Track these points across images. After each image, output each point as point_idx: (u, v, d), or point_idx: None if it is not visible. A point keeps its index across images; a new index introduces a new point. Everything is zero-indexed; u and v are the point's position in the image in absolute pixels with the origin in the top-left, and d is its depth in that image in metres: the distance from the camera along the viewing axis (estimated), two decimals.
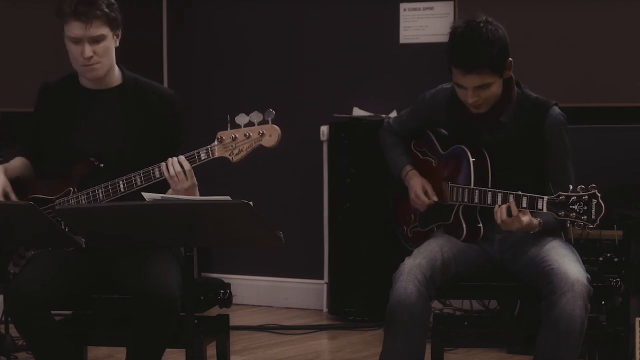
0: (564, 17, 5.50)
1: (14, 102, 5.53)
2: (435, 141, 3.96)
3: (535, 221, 3.62)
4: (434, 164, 3.95)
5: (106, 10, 3.72)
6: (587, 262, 4.21)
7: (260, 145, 3.60)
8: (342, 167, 5.92)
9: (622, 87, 5.41)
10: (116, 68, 3.86)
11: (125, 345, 3.68)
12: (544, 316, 3.55)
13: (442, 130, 3.96)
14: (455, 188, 3.79)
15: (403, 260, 3.69)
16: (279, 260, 6.31)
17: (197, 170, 3.66)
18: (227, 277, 5.78)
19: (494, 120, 3.78)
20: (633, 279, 4.59)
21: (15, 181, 3.83)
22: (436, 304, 5.48)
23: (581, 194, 3.46)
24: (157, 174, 3.66)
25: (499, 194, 3.63)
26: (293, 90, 6.30)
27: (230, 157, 3.62)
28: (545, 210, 3.52)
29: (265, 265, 6.38)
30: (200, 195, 3.68)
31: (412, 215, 4.00)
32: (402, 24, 6.06)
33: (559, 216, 3.48)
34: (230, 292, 3.95)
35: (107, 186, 3.69)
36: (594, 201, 3.44)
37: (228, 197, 3.16)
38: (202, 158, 3.64)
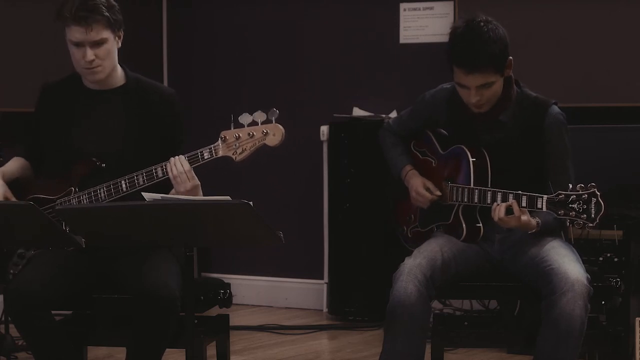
0: (564, 17, 5.50)
1: (14, 102, 5.53)
2: (435, 141, 3.96)
3: (534, 221, 3.62)
4: (433, 164, 3.96)
5: (107, 14, 3.70)
6: (587, 262, 4.21)
7: (264, 144, 3.60)
8: (342, 167, 5.92)
9: (622, 87, 5.41)
10: (119, 68, 3.85)
11: (125, 345, 3.68)
12: (544, 316, 3.55)
13: (442, 130, 3.96)
14: (455, 188, 3.79)
15: (403, 260, 3.69)
16: (279, 260, 6.31)
17: (197, 170, 3.66)
18: (227, 277, 5.78)
19: (494, 119, 3.78)
20: (633, 279, 4.59)
21: (14, 182, 3.83)
22: (436, 304, 5.48)
23: (580, 192, 3.46)
24: (159, 173, 3.65)
25: (498, 193, 3.64)
26: (293, 90, 6.31)
27: (233, 157, 3.62)
28: (544, 209, 3.52)
29: (265, 265, 6.38)
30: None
31: (412, 216, 4.00)
32: (402, 24, 6.06)
33: (559, 215, 3.48)
34: (230, 292, 3.95)
35: (109, 186, 3.69)
36: (594, 200, 3.44)
37: (228, 197, 3.16)
38: (205, 157, 3.64)
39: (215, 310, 3.92)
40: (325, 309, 6.12)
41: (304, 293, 6.29)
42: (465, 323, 3.99)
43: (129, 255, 3.70)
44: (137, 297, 3.56)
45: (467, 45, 3.63)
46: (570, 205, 3.46)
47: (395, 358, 3.62)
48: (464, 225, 3.79)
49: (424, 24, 6.00)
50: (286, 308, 6.31)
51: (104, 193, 3.69)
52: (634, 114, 5.31)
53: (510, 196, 3.59)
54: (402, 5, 6.05)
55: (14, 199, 3.77)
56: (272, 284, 6.40)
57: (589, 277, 3.57)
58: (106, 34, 3.72)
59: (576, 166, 3.79)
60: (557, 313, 3.50)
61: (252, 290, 6.41)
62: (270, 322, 5.88)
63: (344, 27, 6.21)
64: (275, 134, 3.58)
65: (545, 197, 3.52)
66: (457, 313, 5.59)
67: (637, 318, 4.17)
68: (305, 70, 6.32)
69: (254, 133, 3.59)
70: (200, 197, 3.54)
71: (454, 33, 3.71)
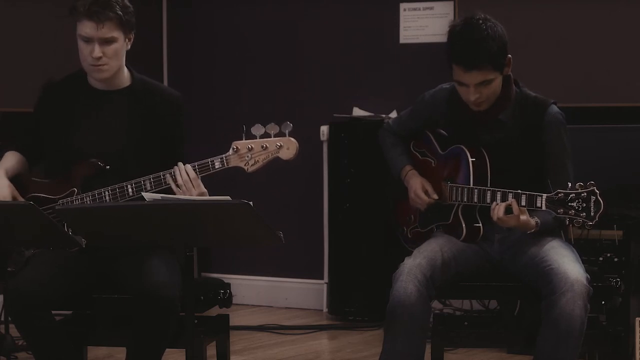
0: (564, 17, 5.50)
1: (14, 102, 5.53)
2: (435, 142, 3.96)
3: (533, 221, 3.62)
4: (433, 165, 3.96)
5: (120, 13, 3.70)
6: (587, 262, 4.22)
7: (277, 157, 3.59)
8: (342, 167, 5.92)
9: (622, 87, 5.41)
10: (125, 69, 3.85)
11: (125, 345, 3.68)
12: (544, 316, 3.55)
13: (442, 130, 3.96)
14: (454, 188, 3.79)
15: (403, 260, 3.69)
16: (279, 260, 6.31)
17: (206, 175, 3.66)
18: (227, 277, 5.78)
19: (493, 119, 3.79)
20: (633, 279, 4.59)
21: (14, 180, 3.82)
22: (436, 304, 5.48)
23: (580, 191, 3.46)
24: (168, 180, 3.65)
25: (498, 193, 3.64)
26: (293, 90, 6.30)
27: (245, 167, 3.62)
28: (544, 207, 3.52)
29: (265, 265, 6.38)
30: None
31: (412, 216, 4.01)
32: (402, 24, 6.06)
33: (558, 214, 3.48)
34: (230, 292, 3.95)
35: (115, 189, 3.68)
36: (593, 198, 3.44)
37: (228, 197, 3.16)
38: (216, 167, 3.63)
39: (215, 310, 3.92)
40: (325, 309, 6.12)
41: (304, 293, 6.29)
42: (465, 323, 3.99)
43: (129, 255, 3.70)
44: (137, 297, 3.56)
45: (466, 42, 3.64)
46: (569, 204, 3.46)
47: (395, 358, 3.62)
48: (463, 225, 3.79)
49: (424, 24, 6.00)
50: (286, 308, 6.31)
51: (109, 196, 3.68)
52: (634, 114, 5.31)
53: (510, 195, 3.59)
54: (402, 5, 6.05)
55: (21, 199, 3.76)
56: (272, 284, 6.40)
57: (589, 277, 3.58)
58: (117, 33, 3.72)
59: (576, 166, 3.79)
60: (557, 313, 3.50)
61: (252, 290, 6.40)
62: (270, 322, 5.88)
63: (344, 27, 6.21)
64: (289, 147, 3.58)
65: (544, 195, 3.52)
66: (457, 313, 5.59)
67: (637, 318, 4.17)
68: (305, 70, 6.32)
69: (268, 145, 3.59)
70: (200, 197, 3.54)
71: (452, 31, 3.71)
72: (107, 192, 3.69)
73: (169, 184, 3.63)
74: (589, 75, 5.45)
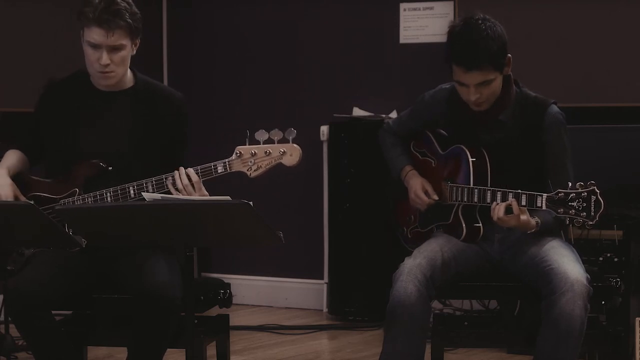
0: (564, 17, 5.50)
1: (14, 102, 5.53)
2: (435, 142, 3.96)
3: (533, 221, 3.62)
4: (433, 165, 3.96)
5: (129, 20, 3.69)
6: (587, 262, 4.22)
7: (281, 163, 3.59)
8: (342, 167, 5.92)
9: (622, 87, 5.41)
10: (129, 70, 3.84)
11: (126, 345, 3.68)
12: (543, 316, 3.55)
13: (442, 131, 3.96)
14: (454, 188, 3.79)
15: (403, 260, 3.69)
16: (279, 260, 6.31)
17: (209, 179, 3.66)
18: (227, 277, 5.78)
19: (494, 119, 3.79)
20: (633, 279, 4.59)
21: (15, 179, 3.82)
22: (436, 304, 5.48)
23: (580, 190, 3.46)
24: (168, 184, 3.64)
25: (498, 192, 3.64)
26: (293, 90, 6.30)
27: (248, 173, 3.61)
28: (544, 207, 3.52)
29: (265, 265, 6.38)
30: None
31: (412, 216, 4.00)
32: (402, 24, 6.06)
33: (558, 213, 3.48)
34: (230, 292, 3.95)
35: (117, 190, 3.67)
36: (593, 198, 3.44)
37: (228, 197, 3.16)
38: (219, 171, 3.63)
39: (215, 310, 3.92)
40: (325, 309, 6.12)
41: (304, 293, 6.29)
42: (465, 323, 3.99)
43: (129, 255, 3.70)
44: (137, 297, 3.56)
45: (466, 43, 3.64)
46: (569, 203, 3.46)
47: (395, 358, 3.62)
48: (463, 225, 3.79)
49: (424, 24, 6.00)
50: (286, 308, 6.31)
51: (111, 197, 3.68)
52: (634, 114, 5.31)
53: (510, 195, 3.59)
54: (402, 5, 6.05)
55: (22, 198, 3.76)
56: (272, 284, 6.40)
57: (589, 277, 3.58)
58: (125, 41, 3.71)
59: (576, 166, 3.79)
60: (557, 313, 3.50)
61: (252, 290, 6.41)
62: (270, 322, 5.88)
63: (344, 27, 6.21)
64: (292, 154, 3.59)
65: (544, 195, 3.52)
66: (457, 313, 5.59)
67: (637, 318, 4.17)
68: (305, 70, 6.32)
69: (271, 151, 3.59)
70: (200, 197, 3.54)
71: (452, 32, 3.71)
72: (108, 193, 3.69)
73: (170, 188, 3.63)
74: (589, 75, 5.45)
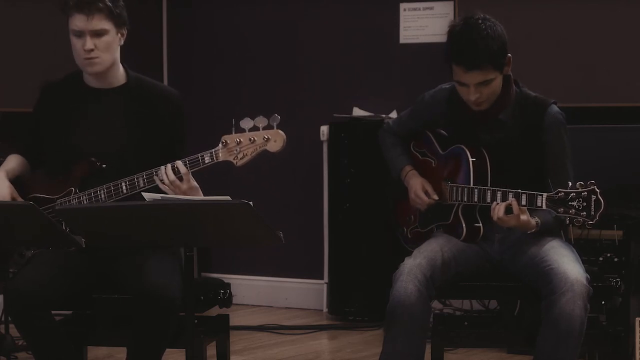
0: (564, 17, 5.50)
1: (14, 102, 5.53)
2: (435, 142, 3.96)
3: (533, 221, 3.62)
4: (433, 165, 3.96)
5: (109, 4, 3.72)
6: (587, 262, 4.22)
7: (265, 150, 3.60)
8: (342, 167, 5.92)
9: (622, 87, 5.41)
10: (120, 67, 3.85)
11: (125, 345, 3.68)
12: (543, 316, 3.55)
13: (442, 131, 3.96)
14: (454, 188, 3.79)
15: (403, 260, 3.69)
16: (279, 260, 6.31)
17: (197, 171, 3.66)
18: (227, 277, 5.78)
19: (494, 118, 3.79)
20: (633, 279, 4.59)
21: (14, 182, 3.83)
22: (436, 304, 5.48)
23: (580, 190, 3.46)
24: (155, 180, 3.65)
25: (498, 192, 3.64)
26: (293, 90, 6.31)
27: (234, 161, 3.62)
28: (544, 206, 3.52)
29: (265, 265, 6.38)
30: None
31: (412, 216, 4.00)
32: (402, 24, 6.06)
33: (558, 213, 3.48)
34: (230, 292, 3.95)
35: (110, 187, 3.69)
36: (593, 197, 3.44)
37: (228, 197, 3.16)
38: (206, 162, 3.63)
39: (215, 310, 3.92)
40: (325, 309, 6.12)
41: (304, 293, 6.29)
42: (465, 323, 3.99)
43: (129, 255, 3.70)
44: (137, 297, 3.56)
45: (466, 42, 3.64)
46: (569, 203, 3.46)
47: (395, 358, 3.62)
48: (463, 225, 3.79)
49: (424, 24, 6.00)
50: (286, 308, 6.31)
51: (104, 194, 3.69)
52: (634, 114, 5.31)
53: (510, 195, 3.59)
54: (402, 5, 6.05)
55: (20, 200, 3.77)
56: (272, 284, 6.40)
57: (589, 277, 3.58)
58: (107, 25, 3.73)
59: (576, 166, 3.79)
60: (556, 313, 3.50)
61: (252, 290, 6.41)
62: (270, 322, 5.88)
63: (344, 27, 6.21)
64: (276, 140, 3.58)
65: (545, 195, 3.52)
66: (457, 313, 5.59)
67: (637, 318, 4.17)
68: (305, 70, 6.32)
69: (255, 138, 3.59)
70: (200, 197, 3.54)
71: (452, 31, 3.71)
72: (102, 191, 3.70)
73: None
74: (589, 75, 5.45)
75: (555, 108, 3.79)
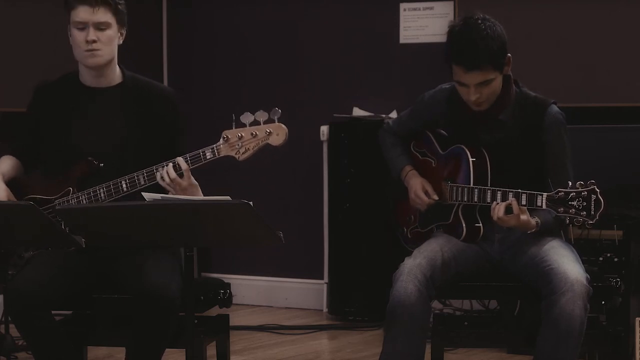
0: (564, 17, 5.51)
1: (13, 102, 5.52)
2: (435, 142, 3.96)
3: (533, 221, 3.62)
4: (433, 165, 3.96)
5: (113, 0, 3.75)
6: (587, 262, 4.22)
7: (268, 144, 3.59)
8: (342, 167, 5.92)
9: (622, 87, 5.41)
10: (117, 67, 3.86)
11: (125, 345, 3.68)
12: (543, 316, 3.55)
13: (442, 131, 3.96)
14: (454, 187, 3.79)
15: (403, 260, 3.69)
16: (279, 260, 6.31)
17: (196, 169, 3.65)
18: (227, 277, 5.78)
19: (494, 118, 3.79)
20: (633, 279, 4.59)
21: (10, 183, 3.83)
22: (436, 304, 5.48)
23: (580, 189, 3.46)
24: (157, 178, 3.65)
25: (498, 192, 3.64)
26: (293, 90, 6.31)
27: (236, 156, 3.61)
28: (544, 206, 3.52)
29: (265, 265, 6.38)
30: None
31: (412, 216, 4.00)
32: (402, 24, 6.06)
33: (558, 212, 3.48)
34: (230, 292, 3.94)
35: (109, 186, 3.69)
36: (593, 197, 3.44)
37: (228, 197, 3.16)
38: (208, 157, 3.63)
39: (215, 310, 3.92)
40: (325, 309, 6.12)
41: (304, 293, 6.29)
42: (465, 323, 3.99)
43: (129, 255, 3.70)
44: (137, 297, 3.56)
45: (466, 42, 3.64)
46: (569, 203, 3.46)
47: (395, 358, 3.62)
48: (463, 225, 3.79)
49: (424, 24, 6.00)
50: (286, 308, 6.31)
51: (104, 193, 3.69)
52: (634, 114, 5.31)
53: (510, 195, 3.59)
54: (402, 5, 6.05)
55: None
56: (272, 284, 6.40)
57: (589, 277, 3.58)
58: (110, 19, 3.75)
59: (576, 166, 3.79)
60: (556, 313, 3.50)
61: (252, 290, 6.41)
62: (270, 322, 5.88)
63: (344, 27, 6.21)
64: (279, 133, 3.57)
65: (545, 194, 3.52)
66: (457, 313, 5.59)
67: (637, 318, 4.17)
68: (305, 70, 6.32)
69: (257, 132, 3.58)
70: (200, 197, 3.54)
71: (451, 31, 3.71)
72: (101, 190, 3.70)
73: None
74: (589, 75, 5.45)
75: (555, 108, 3.79)
